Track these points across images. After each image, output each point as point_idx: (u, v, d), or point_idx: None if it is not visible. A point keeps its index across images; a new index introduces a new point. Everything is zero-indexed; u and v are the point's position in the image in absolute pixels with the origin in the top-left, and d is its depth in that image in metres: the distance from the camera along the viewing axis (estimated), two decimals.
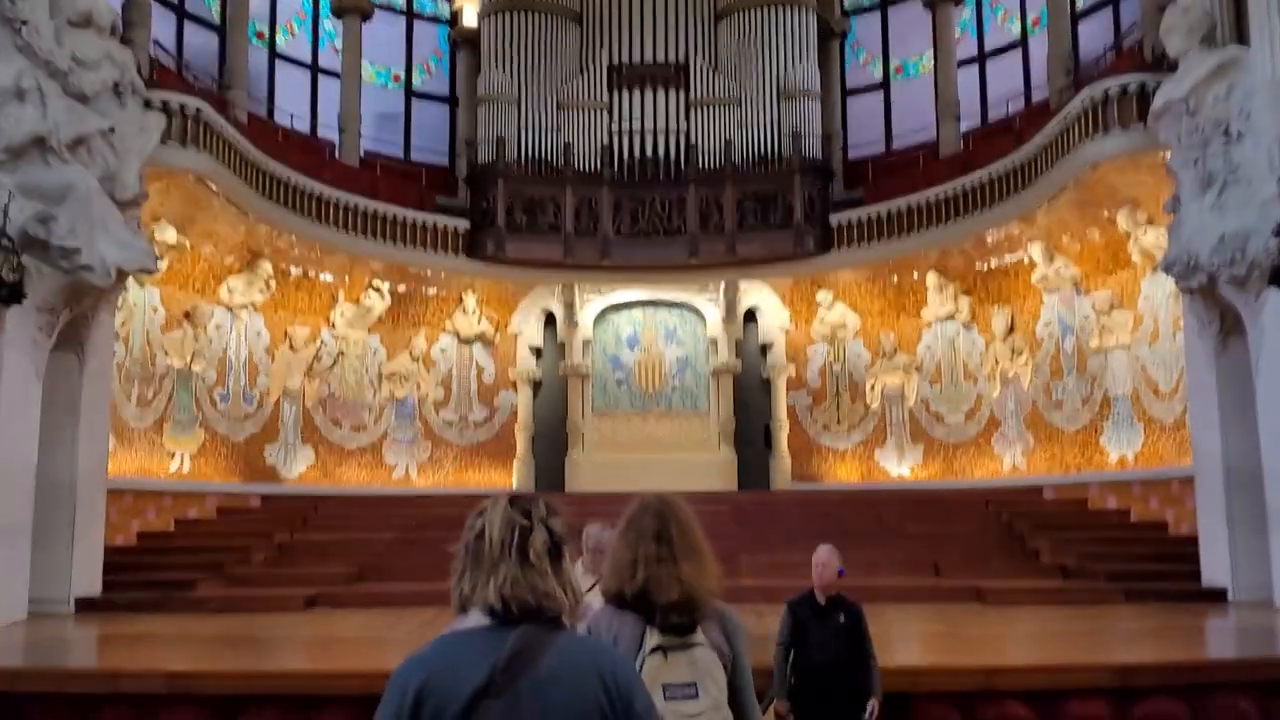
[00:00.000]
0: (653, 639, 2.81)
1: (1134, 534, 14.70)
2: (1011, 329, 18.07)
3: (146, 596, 11.84)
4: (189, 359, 16.02)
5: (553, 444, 19.75)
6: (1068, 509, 16.15)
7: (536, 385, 20.02)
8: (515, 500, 2.10)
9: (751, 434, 19.71)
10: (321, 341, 18.35)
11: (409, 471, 19.16)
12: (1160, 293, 15.05)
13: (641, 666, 2.75)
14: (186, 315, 16.09)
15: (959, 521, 15.70)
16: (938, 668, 7.02)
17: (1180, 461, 14.37)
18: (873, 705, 5.96)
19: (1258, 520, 11.30)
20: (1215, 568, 12.03)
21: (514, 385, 19.83)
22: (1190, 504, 13.66)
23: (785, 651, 6.15)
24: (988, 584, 12.41)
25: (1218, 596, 11.73)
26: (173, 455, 15.96)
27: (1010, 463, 17.96)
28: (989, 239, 17.61)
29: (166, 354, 15.77)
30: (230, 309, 16.88)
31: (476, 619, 2.04)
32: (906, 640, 8.67)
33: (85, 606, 11.58)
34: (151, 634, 9.68)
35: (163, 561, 13.45)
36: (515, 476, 19.43)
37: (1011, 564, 13.94)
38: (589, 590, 6.21)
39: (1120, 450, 15.99)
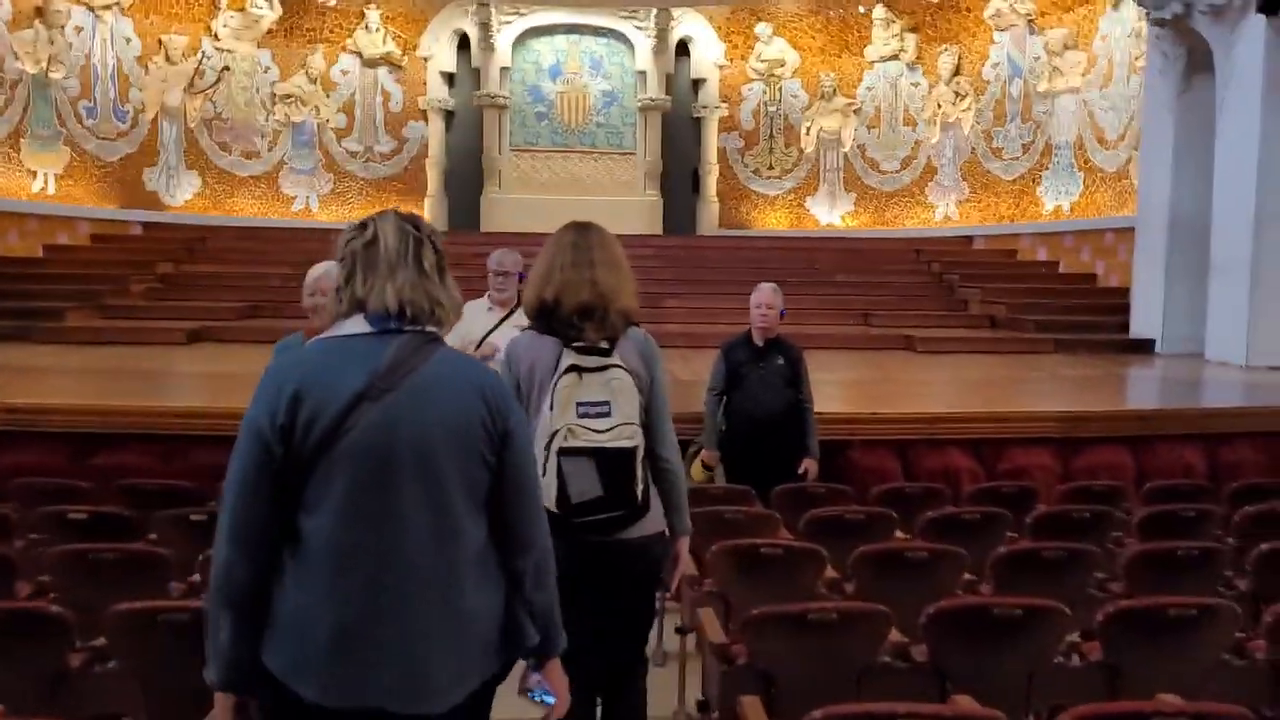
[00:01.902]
0: (568, 358, 2.78)
1: (1063, 285, 14.40)
2: (957, 71, 17.01)
3: (8, 325, 10.74)
4: (44, 64, 14.12)
5: (467, 181, 18.45)
6: (997, 259, 15.78)
7: (449, 116, 18.47)
8: (402, 215, 2.09)
9: (679, 177, 18.68)
10: (203, 54, 16.41)
11: (309, 204, 17.78)
12: (1119, 31, 14.08)
13: (556, 385, 2.74)
14: (38, 12, 14.05)
15: (890, 271, 15.24)
16: (877, 415, 6.49)
17: (1118, 212, 13.93)
18: (807, 468, 5.42)
19: (1195, 271, 10.94)
20: (1145, 319, 11.79)
21: (424, 116, 18.25)
22: (1123, 256, 13.34)
23: (717, 398, 5.50)
24: (917, 333, 12.01)
25: (1146, 348, 11.53)
26: (34, 174, 14.37)
27: (943, 212, 17.38)
28: None
29: (16, 56, 13.84)
30: (91, 9, 14.82)
31: (355, 326, 2.01)
32: (841, 387, 8.15)
33: None
34: (8, 364, 8.69)
35: (29, 289, 12.25)
36: (427, 214, 18.22)
37: (941, 313, 13.60)
38: (492, 330, 5.43)
39: (1056, 200, 15.47)
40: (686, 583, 4.00)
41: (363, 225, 2.05)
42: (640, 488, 2.78)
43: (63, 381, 8.20)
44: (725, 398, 5.45)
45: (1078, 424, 6.53)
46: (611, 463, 2.72)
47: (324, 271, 3.93)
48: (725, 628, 3.15)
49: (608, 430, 2.73)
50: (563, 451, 2.69)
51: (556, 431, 2.71)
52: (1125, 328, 12.11)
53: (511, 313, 5.46)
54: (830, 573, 3.80)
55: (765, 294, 5.40)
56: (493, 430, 1.99)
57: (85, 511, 4.38)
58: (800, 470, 5.34)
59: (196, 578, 3.83)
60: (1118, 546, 4.44)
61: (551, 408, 2.72)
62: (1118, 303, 12.68)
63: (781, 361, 5.41)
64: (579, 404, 2.73)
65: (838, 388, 8.02)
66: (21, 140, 14.19)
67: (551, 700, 2.11)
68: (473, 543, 1.98)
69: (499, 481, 2.01)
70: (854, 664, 2.87)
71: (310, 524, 1.91)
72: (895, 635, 2.93)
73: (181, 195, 16.59)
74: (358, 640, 1.90)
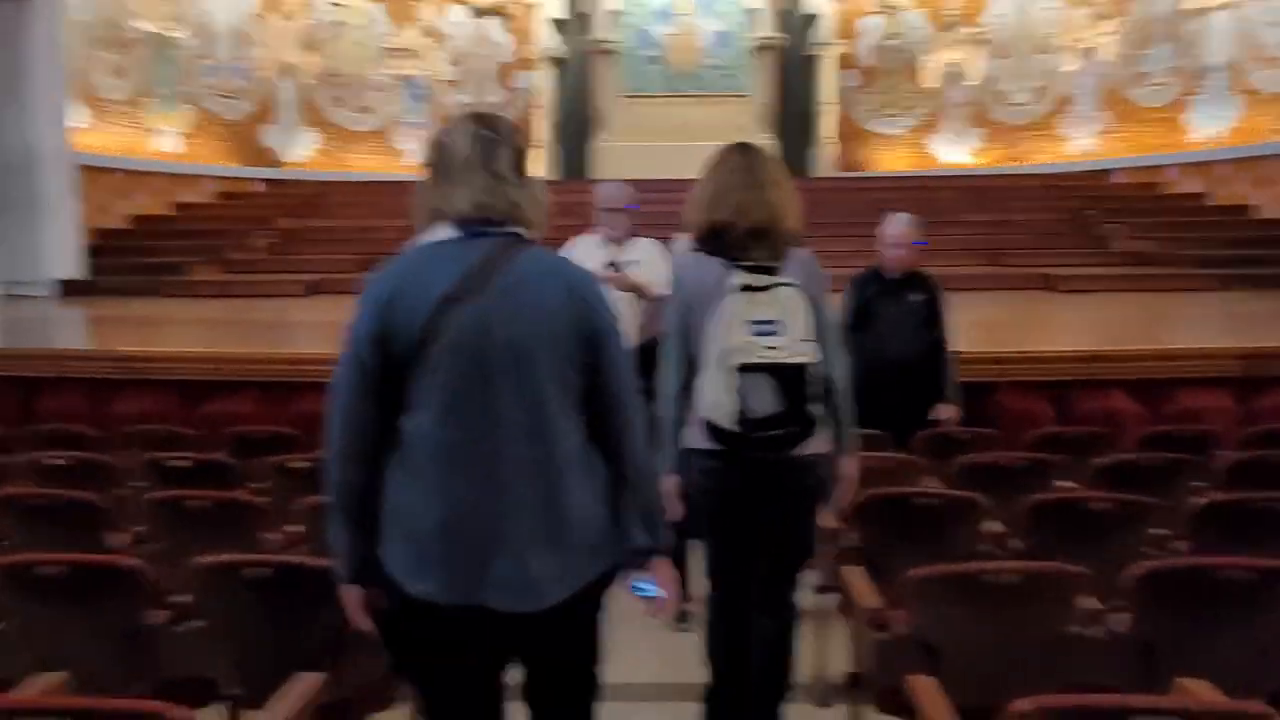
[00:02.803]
0: (738, 277, 2.79)
1: (1215, 217, 13.26)
2: None
3: (135, 280, 10.93)
4: (165, 23, 14.25)
5: (577, 130, 18.10)
6: (1138, 193, 14.65)
7: (559, 64, 18.11)
8: (479, 116, 2.08)
9: (794, 118, 17.95)
10: (317, 9, 16.39)
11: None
12: None
13: (727, 303, 2.75)
14: None
15: (1021, 209, 14.30)
16: (1027, 354, 5.90)
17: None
18: (944, 412, 4.90)
19: None
20: None
21: (534, 65, 17.93)
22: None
23: (845, 335, 5.02)
24: (1056, 271, 11.18)
25: None
26: (160, 133, 14.58)
27: (1080, 145, 16.25)
28: None
29: (136, 15, 13.99)
30: None
31: (444, 233, 2.01)
32: (981, 327, 7.52)
33: (68, 290, 10.68)
34: (131, 316, 8.75)
35: (157, 246, 12.47)
36: (539, 165, 17.96)
37: (1080, 251, 12.66)
38: (610, 266, 5.05)
39: (1208, 128, 14.24)
40: (824, 538, 3.59)
41: (444, 132, 2.06)
42: (814, 405, 2.79)
43: (180, 331, 8.21)
44: (854, 337, 4.95)
45: (1263, 362, 5.81)
46: (789, 379, 2.74)
47: None
48: (878, 592, 2.72)
49: (783, 347, 2.73)
50: (742, 368, 2.71)
51: (733, 349, 2.72)
52: None
53: (623, 247, 5.10)
54: (992, 526, 3.33)
55: (898, 227, 4.87)
56: (582, 330, 1.98)
57: (187, 459, 4.20)
58: (936, 418, 4.83)
59: (294, 528, 3.60)
60: None
61: (723, 325, 2.74)
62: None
63: (918, 298, 4.89)
64: (751, 322, 2.74)
65: (978, 327, 7.40)
66: (145, 100, 14.39)
67: (655, 593, 2.08)
68: (570, 442, 1.99)
69: (593, 385, 2.01)
70: (1039, 635, 2.41)
71: (411, 425, 1.95)
72: (1086, 600, 2.45)
73: (300, 152, 16.69)
74: (463, 537, 1.94)
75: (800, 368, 2.75)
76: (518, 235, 2.01)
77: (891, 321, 4.85)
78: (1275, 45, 13.12)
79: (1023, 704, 1.60)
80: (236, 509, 3.39)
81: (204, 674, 2.67)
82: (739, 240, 2.82)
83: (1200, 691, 1.91)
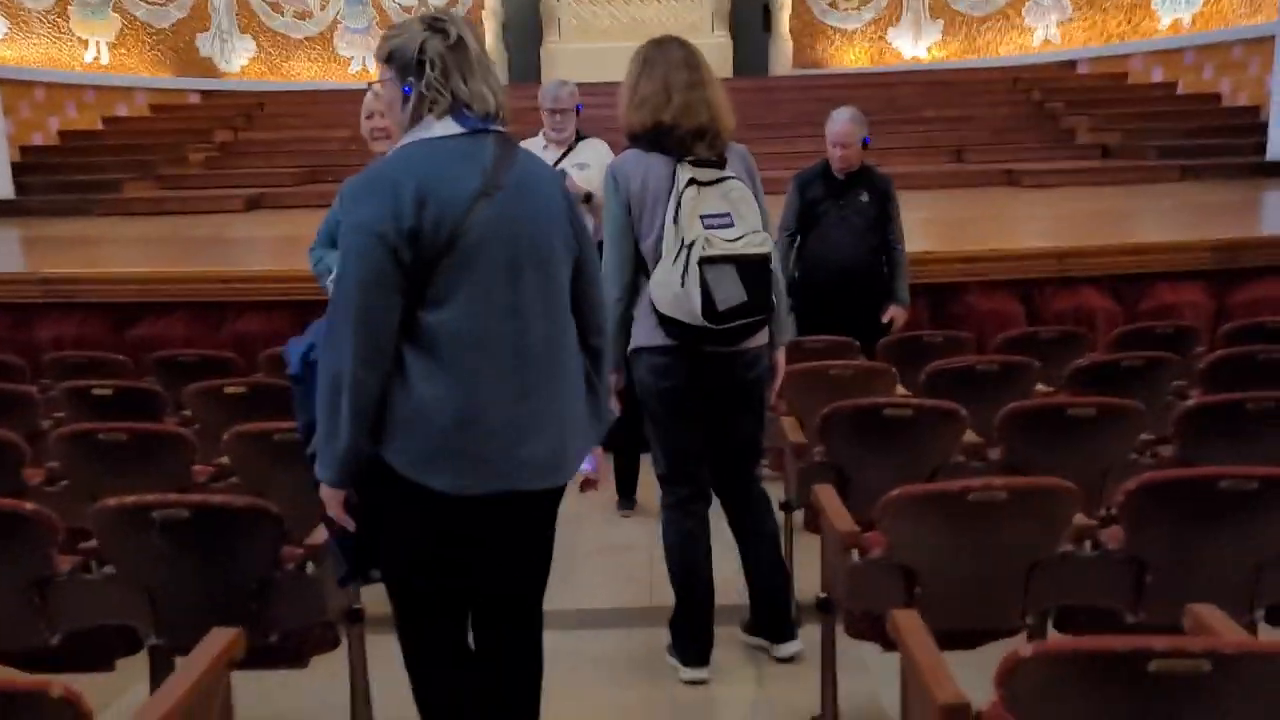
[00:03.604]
0: (685, 173, 2.82)
1: (1183, 106, 13.02)
2: None
3: (66, 199, 10.42)
4: None
5: (525, 32, 17.41)
6: (1105, 84, 14.35)
7: None
8: (455, 17, 2.08)
9: (748, 14, 17.36)
10: None
11: (366, 64, 16.96)
12: None
13: (681, 199, 2.78)
14: None
15: (983, 103, 13.97)
16: (998, 252, 5.69)
17: (1249, 20, 12.42)
18: (893, 316, 4.69)
19: None
20: None
21: None
22: (1254, 70, 11.99)
23: (790, 239, 4.74)
24: (1020, 166, 10.95)
25: None
26: (85, 43, 13.81)
27: (1042, 35, 15.85)
28: None
29: None
30: None
31: (445, 128, 2.02)
32: (946, 225, 7.31)
33: None
34: (61, 237, 8.31)
35: (87, 163, 11.89)
36: None
37: (1045, 146, 12.41)
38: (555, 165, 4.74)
39: (1174, 12, 13.91)
40: (792, 452, 3.39)
41: (436, 26, 2.02)
42: (774, 295, 2.86)
43: (112, 251, 7.81)
44: (797, 239, 4.70)
45: (1236, 253, 5.64)
46: (751, 269, 2.77)
47: (374, 92, 3.38)
48: (847, 510, 2.53)
49: (738, 239, 2.77)
50: (704, 260, 2.72)
51: (693, 243, 2.73)
52: (1260, 150, 10.88)
53: (569, 150, 4.79)
54: (969, 436, 3.14)
55: (841, 125, 4.57)
56: (574, 223, 2.13)
57: (111, 387, 3.91)
58: (885, 319, 4.62)
59: (225, 460, 3.35)
60: None
61: (677, 221, 2.76)
62: (1249, 123, 11.43)
63: (866, 198, 4.63)
64: (703, 216, 2.76)
65: (943, 226, 7.20)
66: (69, 8, 13.59)
67: (590, 467, 2.34)
68: (572, 332, 2.14)
69: (578, 271, 2.15)
70: (1026, 556, 2.23)
71: (436, 319, 1.95)
72: (1080, 518, 2.27)
73: (236, 61, 15.91)
74: (493, 425, 1.99)
75: (764, 258, 2.80)
76: (507, 134, 2.08)
77: (837, 224, 4.60)
78: None
79: (1025, 650, 1.40)
80: (158, 441, 3.12)
81: (125, 622, 2.45)
82: (682, 139, 2.84)
83: (1214, 621, 1.74)
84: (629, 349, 2.97)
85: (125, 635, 2.48)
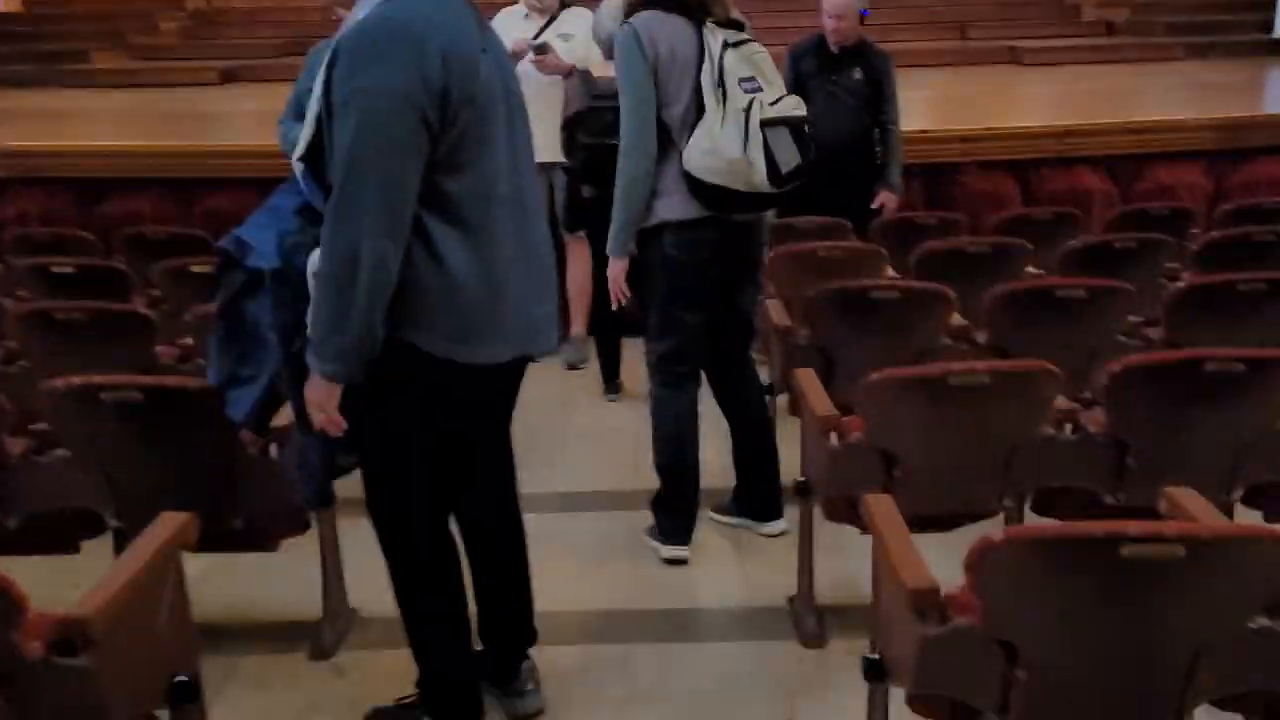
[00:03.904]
0: (716, 35, 2.73)
1: None
2: None
3: (31, 70, 10.03)
4: None
5: None
6: None
7: None
8: None
9: None
10: None
11: None
12: None
13: (722, 66, 2.69)
14: None
15: None
16: (994, 131, 5.51)
17: None
18: (884, 202, 4.53)
19: None
20: None
21: None
22: None
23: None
24: (1023, 43, 10.61)
25: None
26: None
27: None
28: None
29: None
30: None
31: None
32: (944, 104, 7.10)
33: None
34: (25, 109, 8.04)
35: (53, 31, 11.42)
36: None
37: (1049, 22, 11.99)
38: (537, 37, 4.53)
39: None
40: (777, 334, 3.32)
41: None
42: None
43: (80, 125, 7.56)
44: None
45: (1236, 133, 5.48)
46: (800, 131, 2.73)
47: None
48: (831, 393, 2.46)
49: (777, 100, 2.73)
50: (765, 123, 2.66)
51: (748, 106, 2.65)
52: (1267, 27, 10.53)
53: (552, 19, 4.56)
54: (956, 319, 3.06)
55: None
56: None
57: (72, 264, 3.79)
58: (875, 204, 4.48)
59: (189, 340, 3.25)
60: None
61: (723, 86, 2.66)
62: (1256, 0, 11.01)
63: (860, 75, 4.43)
64: (740, 79, 2.69)
65: (940, 104, 7.00)
66: None
67: None
68: None
69: None
70: (1006, 440, 2.17)
71: (458, 184, 1.84)
72: (1061, 400, 2.20)
73: None
74: (517, 290, 1.93)
75: (805, 119, 2.76)
76: None
77: (825, 103, 4.40)
78: None
79: (996, 535, 1.34)
80: (118, 320, 3.02)
81: (85, 505, 2.39)
82: (701, 1, 2.71)
83: (1190, 503, 1.68)
84: (646, 224, 2.82)
85: (88, 518, 2.43)
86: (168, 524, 1.83)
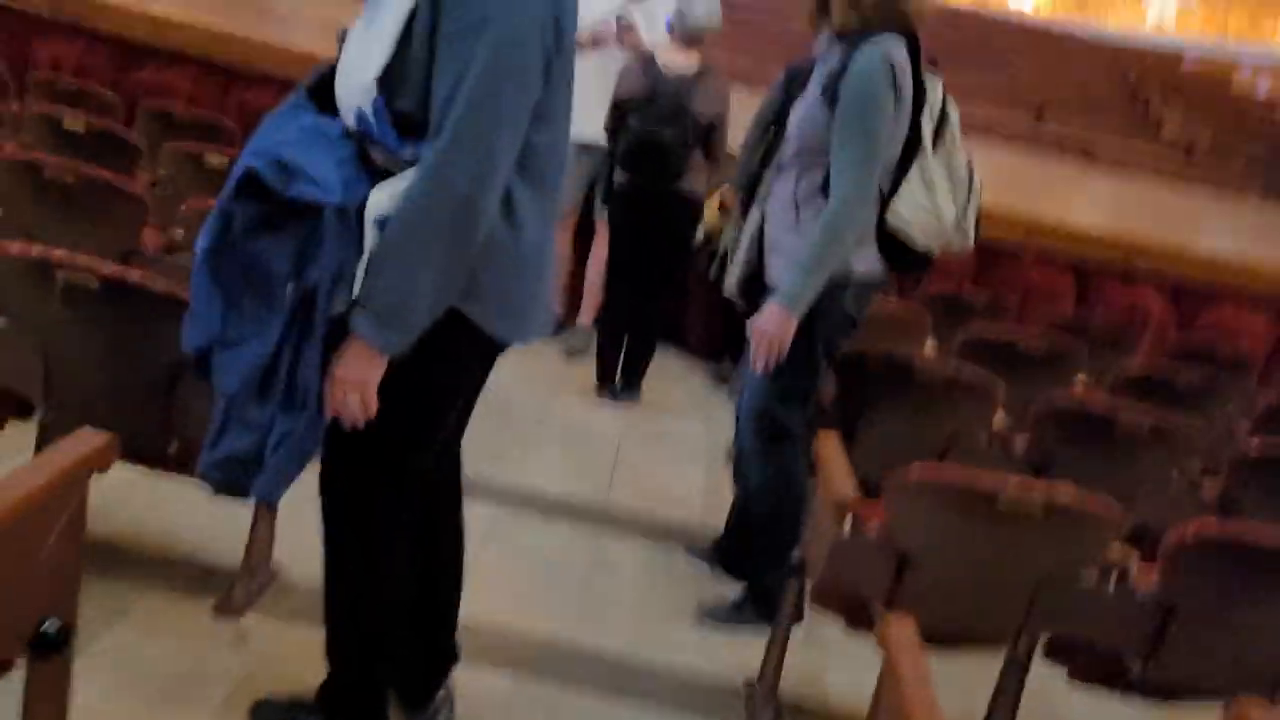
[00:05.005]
0: (935, 79, 2.42)
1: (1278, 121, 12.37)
2: None
3: None
4: None
5: None
6: (1208, 84, 13.62)
7: None
8: None
9: None
10: None
11: None
12: None
13: (946, 117, 2.45)
14: None
15: (1076, 68, 13.26)
16: (1062, 227, 5.26)
17: None
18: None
19: None
20: None
21: None
22: None
23: (762, 133, 4.26)
24: (1100, 142, 10.38)
25: None
26: None
27: (1156, 18, 15.03)
28: None
29: None
30: None
31: None
32: (1008, 183, 6.82)
33: None
34: None
35: None
36: None
37: (1129, 128, 11.78)
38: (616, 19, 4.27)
39: None
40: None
41: None
42: None
43: None
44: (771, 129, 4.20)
45: None
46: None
47: None
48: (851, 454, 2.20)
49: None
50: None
51: (971, 162, 2.49)
52: None
53: None
54: (1000, 418, 2.80)
55: None
56: None
57: (83, 123, 3.52)
58: None
59: (181, 232, 2.99)
60: None
61: (942, 139, 2.42)
62: None
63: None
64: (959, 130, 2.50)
65: (1007, 183, 6.72)
66: None
67: None
68: None
69: None
70: (1046, 574, 1.91)
71: (541, 138, 1.58)
72: (1116, 547, 1.94)
73: None
74: (550, 266, 1.73)
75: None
76: None
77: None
78: None
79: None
80: (108, 192, 2.76)
81: (14, 386, 2.13)
82: (916, 26, 2.35)
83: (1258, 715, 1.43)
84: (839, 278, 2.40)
85: (17, 400, 2.17)
86: (84, 442, 1.56)
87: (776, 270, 2.45)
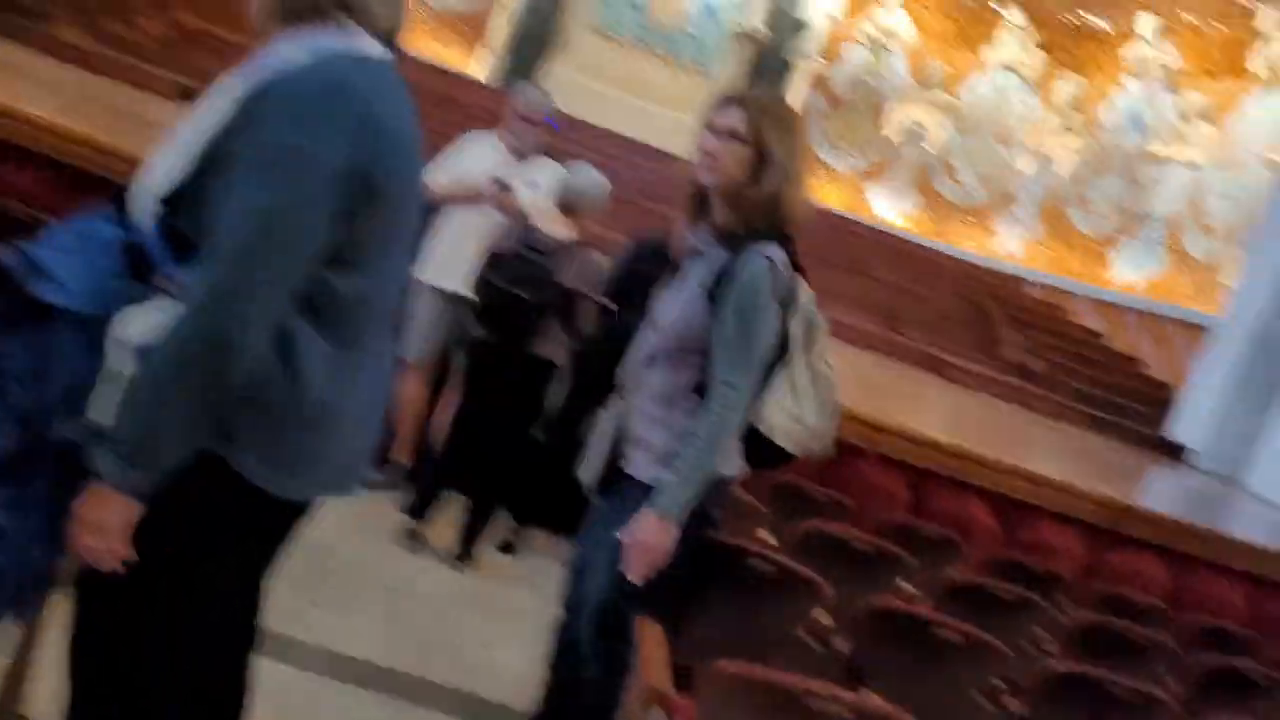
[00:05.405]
0: (802, 284, 2.49)
1: (1108, 359, 13.35)
2: (1074, 105, 15.79)
3: None
4: None
5: (533, 46, 17.16)
6: (1046, 312, 14.68)
7: None
8: None
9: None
10: None
11: None
12: (1264, 116, 12.90)
13: (812, 324, 2.50)
14: None
15: (931, 283, 14.13)
16: (904, 430, 5.48)
17: (1193, 305, 12.89)
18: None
19: (1264, 394, 9.92)
20: (1189, 426, 10.77)
21: None
22: (1179, 350, 12.34)
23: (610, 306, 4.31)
24: (949, 358, 10.99)
25: (1176, 453, 10.55)
26: None
27: (1007, 246, 16.28)
28: None
29: None
30: None
31: (372, 47, 1.62)
32: (862, 386, 7.12)
33: None
34: None
35: None
36: (481, 67, 16.92)
37: (973, 347, 12.52)
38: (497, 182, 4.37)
39: (1129, 273, 14.39)
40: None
41: None
42: None
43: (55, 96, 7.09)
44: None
45: (1120, 516, 5.54)
46: None
47: None
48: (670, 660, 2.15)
49: None
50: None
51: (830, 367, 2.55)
52: (1156, 424, 11.12)
53: (525, 164, 4.46)
54: (822, 616, 2.81)
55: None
56: None
57: None
58: None
59: None
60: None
61: (811, 348, 2.48)
62: (1159, 396, 11.68)
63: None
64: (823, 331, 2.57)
65: (861, 385, 7.01)
66: None
67: None
68: None
69: None
70: None
71: (346, 286, 1.53)
72: None
73: None
74: (358, 416, 1.63)
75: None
76: None
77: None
78: (1218, 216, 13.27)
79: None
80: None
81: None
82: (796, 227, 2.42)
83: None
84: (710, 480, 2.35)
85: None
86: None
87: (641, 467, 2.38)
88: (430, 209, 4.11)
